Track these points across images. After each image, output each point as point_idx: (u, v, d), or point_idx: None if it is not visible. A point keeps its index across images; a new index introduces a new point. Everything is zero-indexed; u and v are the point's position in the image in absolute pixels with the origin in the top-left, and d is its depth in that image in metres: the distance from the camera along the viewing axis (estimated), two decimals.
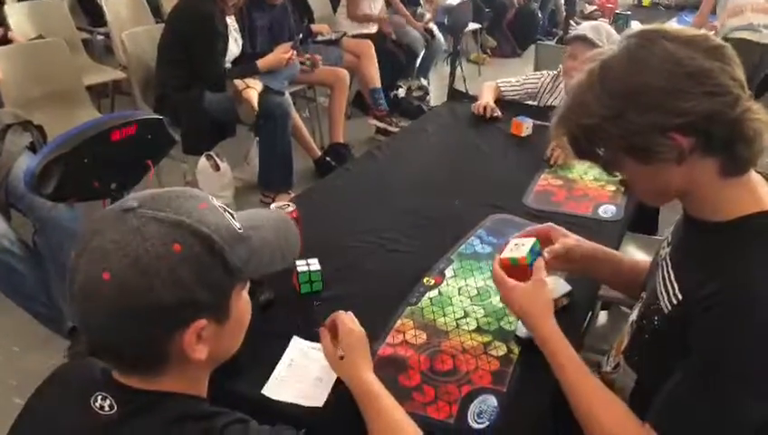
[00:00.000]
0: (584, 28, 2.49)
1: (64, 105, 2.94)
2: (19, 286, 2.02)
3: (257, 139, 3.33)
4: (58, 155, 1.24)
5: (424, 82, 4.94)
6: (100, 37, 4.48)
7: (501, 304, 1.41)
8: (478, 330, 1.34)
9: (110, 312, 0.71)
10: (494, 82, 2.74)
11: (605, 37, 2.41)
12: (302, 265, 1.45)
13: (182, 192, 0.78)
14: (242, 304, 0.83)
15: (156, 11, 4.34)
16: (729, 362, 0.90)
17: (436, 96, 4.91)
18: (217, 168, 3.10)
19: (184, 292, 0.72)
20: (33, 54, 2.92)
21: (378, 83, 4.22)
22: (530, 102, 2.72)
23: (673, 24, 1.01)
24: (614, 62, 0.96)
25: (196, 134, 3.04)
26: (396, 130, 4.25)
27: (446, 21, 2.70)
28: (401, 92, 4.71)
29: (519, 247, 1.26)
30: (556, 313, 1.34)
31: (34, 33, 3.63)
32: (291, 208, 1.56)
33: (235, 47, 3.19)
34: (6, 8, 3.60)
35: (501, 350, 1.29)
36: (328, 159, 3.65)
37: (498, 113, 2.59)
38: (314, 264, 1.45)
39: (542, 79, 2.73)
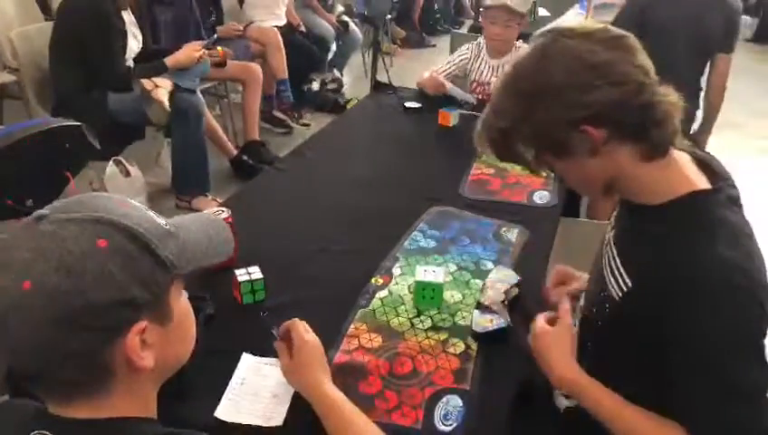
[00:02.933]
0: None
1: None
2: None
3: (168, 140, 3.15)
4: None
5: (338, 74, 4.87)
6: None
7: (453, 299, 1.39)
8: (434, 328, 1.31)
9: (39, 325, 0.63)
10: (426, 72, 2.72)
11: None
12: (242, 274, 1.36)
13: (97, 195, 0.73)
14: (182, 304, 0.77)
15: (44, 7, 4.02)
16: (722, 343, 0.90)
17: (351, 88, 4.85)
18: (127, 173, 2.90)
19: (116, 290, 0.66)
20: None
21: (284, 75, 4.07)
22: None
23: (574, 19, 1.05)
24: (523, 63, 1.00)
25: (102, 138, 2.82)
26: (298, 125, 4.18)
27: (365, 12, 2.64)
28: (315, 86, 4.62)
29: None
30: (508, 303, 1.34)
31: None
32: (225, 214, 1.46)
33: (134, 43, 2.99)
34: None
35: (459, 347, 1.26)
36: (245, 157, 3.51)
37: (444, 82, 2.59)
38: (255, 272, 1.37)
39: (468, 51, 2.77)
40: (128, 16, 2.95)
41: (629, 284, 1.01)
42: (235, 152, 3.52)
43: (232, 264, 1.36)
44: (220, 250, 0.81)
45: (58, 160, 1.26)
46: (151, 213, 0.74)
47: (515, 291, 1.38)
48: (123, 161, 2.89)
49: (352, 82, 5.14)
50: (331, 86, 4.73)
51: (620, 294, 1.02)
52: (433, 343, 1.26)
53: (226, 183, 3.33)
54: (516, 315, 1.32)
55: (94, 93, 2.80)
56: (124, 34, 2.89)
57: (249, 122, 3.66)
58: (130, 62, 2.95)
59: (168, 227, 0.73)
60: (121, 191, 2.86)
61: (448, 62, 2.79)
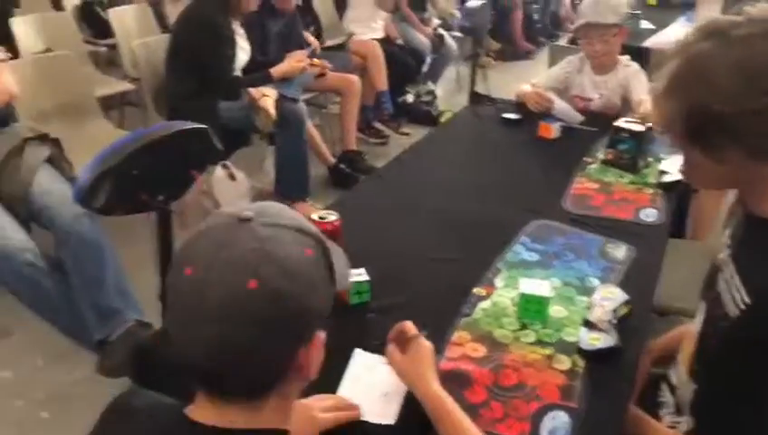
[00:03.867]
0: (585, 15, 2.53)
1: (76, 117, 2.88)
2: (43, 300, 1.97)
3: (272, 147, 3.28)
4: (106, 168, 1.19)
5: (432, 86, 4.90)
6: (103, 49, 4.42)
7: (559, 315, 1.37)
8: (539, 343, 1.29)
9: (256, 323, 0.66)
10: (525, 85, 2.69)
11: (603, 7, 2.47)
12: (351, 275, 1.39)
13: (273, 203, 0.76)
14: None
15: (161, 21, 4.29)
16: None
17: (444, 101, 4.87)
18: (233, 177, 3.03)
19: (317, 299, 0.70)
20: (43, 67, 2.85)
21: (384, 86, 4.17)
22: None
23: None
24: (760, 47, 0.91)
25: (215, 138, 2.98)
26: (398, 135, 4.23)
27: (467, 23, 2.67)
28: (410, 98, 4.68)
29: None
30: (617, 321, 1.30)
31: (41, 47, 3.57)
32: (334, 217, 1.50)
33: (243, 54, 3.14)
34: (14, 21, 3.53)
35: (565, 363, 1.23)
36: (342, 166, 3.60)
37: (553, 98, 2.54)
38: (362, 274, 1.40)
39: (570, 64, 2.71)
40: (237, 29, 3.11)
41: (748, 302, 0.97)
42: (332, 160, 3.61)
43: None
44: (342, 283, 0.85)
45: (187, 160, 1.35)
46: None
47: (624, 310, 1.35)
48: (230, 166, 3.03)
49: (446, 94, 5.15)
50: (425, 98, 4.76)
51: (738, 313, 0.99)
52: (538, 357, 1.25)
53: (324, 190, 3.42)
54: (625, 335, 1.28)
55: (205, 101, 2.96)
56: (234, 45, 3.04)
57: (347, 132, 3.75)
58: (239, 72, 3.10)
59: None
60: (228, 194, 3.00)
61: (548, 76, 2.75)
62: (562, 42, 6.19)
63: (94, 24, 4.54)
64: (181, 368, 0.70)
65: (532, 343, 1.29)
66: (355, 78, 3.81)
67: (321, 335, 0.72)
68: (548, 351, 1.27)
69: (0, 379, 2.08)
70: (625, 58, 2.60)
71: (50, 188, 2.10)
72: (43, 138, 2.25)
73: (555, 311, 1.38)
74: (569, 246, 1.66)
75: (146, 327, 1.97)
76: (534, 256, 1.61)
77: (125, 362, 1.85)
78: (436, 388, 1.06)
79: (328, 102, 4.20)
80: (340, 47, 4.17)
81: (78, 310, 1.95)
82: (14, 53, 3.36)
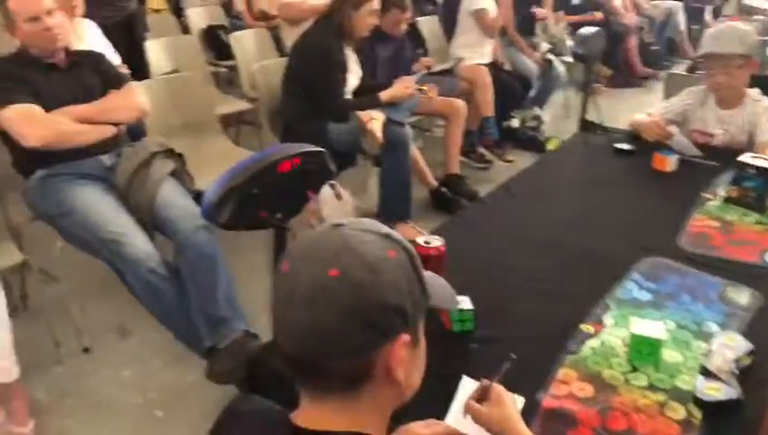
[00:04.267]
0: (706, 45, 2.39)
1: (199, 134, 3.07)
2: (161, 305, 2.10)
3: (376, 168, 3.35)
4: (231, 187, 1.27)
5: (539, 112, 4.83)
6: (223, 70, 4.69)
7: (673, 359, 1.31)
8: (650, 387, 1.23)
9: (339, 309, 0.71)
10: (642, 114, 2.59)
11: (726, 39, 2.33)
12: None
13: (369, 220, 0.81)
14: (423, 335, 0.82)
15: (278, 45, 4.50)
16: None
17: (551, 127, 4.79)
18: (339, 196, 3.12)
19: (399, 297, 0.73)
20: (172, 87, 3.08)
21: (490, 112, 4.16)
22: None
23: None
24: None
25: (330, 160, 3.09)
26: (501, 162, 4.18)
27: (580, 50, 2.62)
28: (515, 123, 4.63)
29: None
30: (739, 372, 1.22)
31: (169, 67, 3.85)
32: (438, 243, 1.51)
33: (353, 78, 3.24)
34: (147, 44, 3.84)
35: (680, 412, 1.17)
36: (444, 189, 3.61)
37: (673, 130, 2.44)
38: (466, 302, 1.40)
39: (692, 97, 2.56)
40: (350, 54, 3.21)
41: None
42: (435, 184, 3.63)
43: None
44: (447, 301, 0.90)
45: (304, 180, 1.41)
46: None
47: (747, 360, 1.27)
48: (337, 185, 3.12)
49: (552, 120, 5.06)
50: (530, 124, 4.70)
51: None
52: (650, 403, 1.19)
53: (425, 213, 3.44)
54: (747, 387, 1.20)
55: (316, 123, 3.07)
56: (345, 70, 3.15)
57: (450, 156, 3.76)
58: (349, 96, 3.20)
59: None
60: (333, 212, 3.09)
61: (666, 107, 2.63)
62: (679, 69, 5.93)
63: (217, 46, 4.84)
64: (286, 375, 0.76)
65: (643, 387, 1.23)
66: (461, 103, 3.82)
67: (406, 338, 0.74)
68: (660, 397, 1.21)
69: (120, 377, 2.23)
70: (755, 91, 2.42)
71: (173, 200, 2.25)
72: (168, 152, 2.41)
73: (669, 355, 1.32)
74: (685, 286, 1.58)
75: (252, 338, 2.06)
76: (647, 296, 1.54)
77: (232, 370, 1.94)
78: (525, 430, 1.02)
79: (432, 126, 4.24)
80: (448, 72, 4.20)
81: (191, 317, 2.07)
82: (147, 74, 3.65)
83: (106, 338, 2.40)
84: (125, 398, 2.13)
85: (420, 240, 1.49)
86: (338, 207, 3.11)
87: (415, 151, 3.49)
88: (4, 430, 1.92)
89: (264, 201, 1.31)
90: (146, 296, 2.08)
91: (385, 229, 0.78)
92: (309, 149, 1.42)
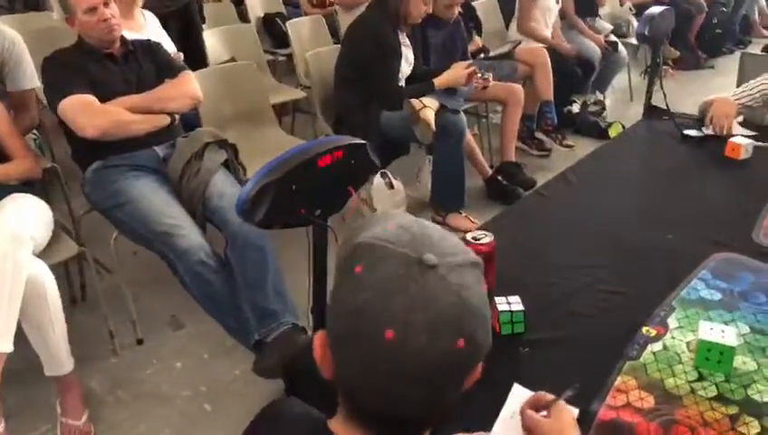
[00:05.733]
0: None
1: (252, 123, 3.07)
2: (211, 297, 2.10)
3: (429, 157, 3.28)
4: (267, 182, 1.22)
5: (600, 97, 4.63)
6: (282, 58, 4.70)
7: (746, 368, 1.20)
8: (720, 398, 1.13)
9: (461, 377, 0.68)
10: (714, 95, 2.42)
11: None
12: (501, 303, 1.32)
13: (432, 228, 0.72)
14: None
15: (333, 31, 4.47)
16: None
17: (614, 112, 4.58)
18: (391, 185, 3.07)
19: (486, 333, 0.68)
20: (227, 76, 3.08)
21: (550, 96, 4.00)
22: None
23: None
24: None
25: (373, 153, 3.03)
26: (561, 147, 4.02)
27: (646, 31, 2.45)
28: (575, 108, 4.45)
29: None
30: None
31: (227, 56, 3.87)
32: (488, 239, 1.44)
33: (405, 66, 3.16)
34: (205, 33, 3.87)
35: (753, 427, 1.07)
36: (499, 178, 3.49)
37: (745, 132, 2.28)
38: (516, 302, 1.32)
39: None
40: (404, 39, 3.14)
41: None
42: (490, 172, 3.53)
43: (489, 286, 1.35)
44: None
45: (345, 175, 1.36)
46: None
47: None
48: (389, 174, 3.07)
49: (615, 104, 4.85)
50: (592, 108, 4.51)
51: None
52: (719, 416, 1.09)
53: (479, 202, 3.35)
54: None
55: (369, 111, 3.02)
56: (399, 56, 3.08)
57: (506, 143, 3.64)
58: (402, 82, 3.13)
59: None
60: (385, 202, 3.05)
61: (743, 90, 2.44)
62: (754, 49, 5.57)
63: (275, 35, 4.84)
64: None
65: (711, 399, 1.13)
66: (518, 87, 3.69)
67: (479, 367, 0.70)
68: (732, 410, 1.10)
69: (171, 369, 2.26)
70: None
71: (223, 190, 2.25)
72: (221, 142, 2.41)
73: (741, 362, 1.21)
74: (759, 285, 1.46)
75: (301, 332, 2.03)
76: (716, 295, 1.43)
77: (278, 365, 1.92)
78: None
79: (488, 111, 4.12)
80: (506, 56, 4.07)
81: (240, 309, 2.06)
82: (204, 63, 3.68)
83: (159, 330, 2.43)
84: (175, 390, 2.15)
85: (469, 236, 1.42)
86: (390, 196, 3.07)
87: (469, 138, 3.39)
88: (60, 421, 1.97)
89: (302, 198, 1.25)
90: (196, 288, 2.09)
91: (468, 253, 0.70)
92: (351, 142, 1.36)
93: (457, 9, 3.43)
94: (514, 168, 3.60)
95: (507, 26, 4.44)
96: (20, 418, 2.01)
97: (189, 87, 2.42)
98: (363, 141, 1.38)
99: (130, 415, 2.05)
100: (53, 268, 2.15)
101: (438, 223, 3.15)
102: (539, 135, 4.12)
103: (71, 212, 2.47)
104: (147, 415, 2.05)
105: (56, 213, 2.24)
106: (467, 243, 1.36)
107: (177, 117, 2.41)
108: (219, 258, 2.12)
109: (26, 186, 2.22)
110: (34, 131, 2.77)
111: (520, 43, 4.11)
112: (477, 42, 4.06)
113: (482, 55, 3.93)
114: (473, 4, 4.25)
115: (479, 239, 1.42)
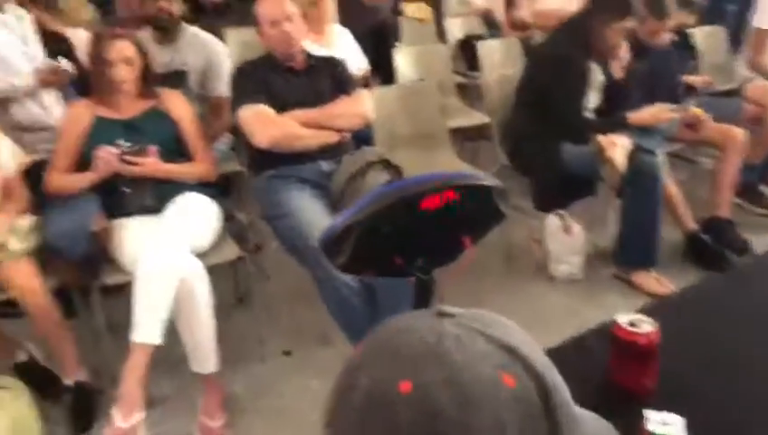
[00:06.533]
0: None
1: (426, 146, 2.97)
2: (350, 320, 2.04)
3: (618, 201, 2.91)
4: (354, 221, 1.04)
5: None
6: (476, 82, 4.56)
7: None
8: None
9: None
10: None
11: None
12: (654, 421, 0.98)
13: (504, 319, 0.54)
14: None
15: (528, 50, 4.23)
16: None
17: None
18: (568, 230, 2.77)
19: None
20: (407, 94, 3.02)
21: None
22: None
23: None
24: None
25: (549, 189, 2.77)
26: None
27: None
28: None
29: None
30: None
31: (416, 76, 3.83)
32: (649, 328, 1.11)
33: (595, 96, 2.84)
34: (396, 51, 3.87)
35: None
36: (704, 235, 2.97)
37: None
38: (674, 423, 0.98)
39: None
40: (595, 68, 2.82)
41: None
42: (693, 227, 3.01)
43: (643, 393, 1.06)
44: None
45: (459, 222, 1.11)
46: (560, 378, 0.53)
47: None
48: (566, 216, 2.78)
49: None
50: None
51: None
52: None
53: (674, 261, 2.89)
54: None
55: (549, 141, 2.76)
56: (586, 83, 2.77)
57: (720, 195, 3.10)
58: (590, 114, 2.82)
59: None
60: (559, 247, 2.76)
61: None
62: None
63: (471, 57, 4.73)
64: None
65: None
66: (740, 131, 3.14)
67: None
68: None
69: (309, 386, 2.21)
70: None
71: None
72: (385, 163, 2.33)
73: None
74: None
75: None
76: None
77: None
78: None
79: (699, 155, 3.59)
80: (732, 93, 3.52)
81: None
82: (394, 81, 3.69)
83: (308, 344, 2.41)
84: (308, 409, 2.09)
85: (624, 320, 1.12)
86: (566, 242, 2.77)
87: (669, 185, 2.95)
88: (197, 419, 2.00)
89: (397, 244, 1.05)
90: (337, 309, 2.03)
91: (510, 338, 0.51)
92: (472, 183, 1.11)
93: (667, 36, 3.02)
94: (726, 225, 3.06)
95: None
96: (164, 407, 2.09)
97: (361, 106, 2.40)
98: (490, 184, 1.13)
99: (264, 425, 2.04)
100: (222, 268, 2.23)
101: (621, 280, 2.77)
102: (763, 189, 3.49)
103: (247, 217, 2.55)
104: (277, 430, 2.02)
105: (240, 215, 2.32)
106: (619, 329, 1.08)
107: (346, 135, 2.38)
108: (365, 285, 2.04)
109: (204, 187, 2.33)
110: (229, 135, 2.93)
111: (751, 79, 3.54)
112: (702, 76, 3.57)
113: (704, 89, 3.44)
114: (689, 31, 3.75)
115: (637, 326, 1.11)
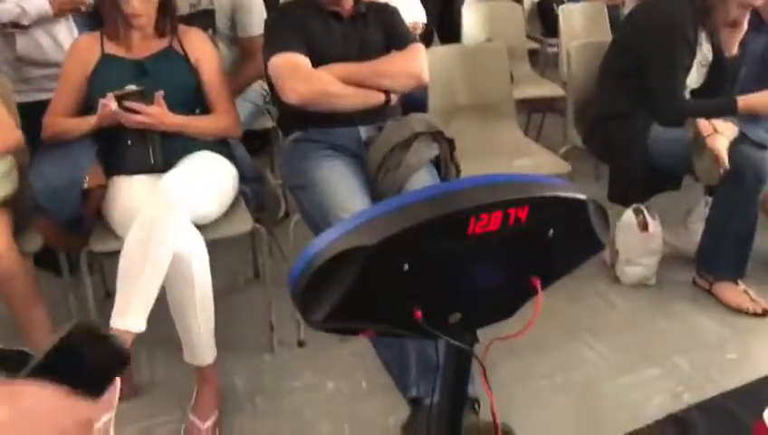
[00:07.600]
0: None
1: (486, 116, 2.57)
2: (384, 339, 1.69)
3: (707, 198, 2.46)
4: (351, 248, 0.60)
5: None
6: (552, 49, 4.10)
7: None
8: None
9: None
10: None
11: None
12: None
13: None
14: None
15: (614, 24, 3.75)
16: None
17: None
18: (646, 227, 2.35)
19: None
20: (470, 57, 2.61)
21: None
22: None
23: None
24: None
25: (627, 178, 2.34)
26: None
27: None
28: None
29: None
30: None
31: (483, 37, 3.42)
32: None
33: (696, 73, 2.36)
34: (464, 8, 3.45)
35: None
36: None
37: None
38: None
39: None
40: (703, 41, 2.34)
41: None
42: None
43: None
44: None
45: (526, 254, 0.70)
46: None
47: None
48: (645, 212, 2.35)
49: None
50: None
51: None
52: None
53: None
54: None
55: (635, 121, 2.32)
56: (692, 57, 2.30)
57: None
58: (687, 94, 2.35)
59: None
60: (632, 246, 2.35)
61: None
62: None
63: (549, 22, 4.27)
64: None
65: None
66: None
67: None
68: None
69: (320, 388, 1.92)
70: None
71: None
72: (436, 134, 1.97)
73: None
74: None
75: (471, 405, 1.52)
76: None
77: None
78: None
79: None
80: None
81: (406, 358, 1.62)
82: (458, 40, 3.29)
83: (324, 336, 2.07)
84: (314, 417, 1.80)
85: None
86: (640, 241, 2.35)
87: None
88: (185, 418, 1.73)
89: (423, 285, 0.62)
90: None
91: None
92: (556, 194, 0.66)
93: None
94: None
95: None
96: (152, 397, 1.83)
97: (414, 64, 2.00)
98: (582, 197, 0.72)
99: (258, 428, 1.76)
100: (238, 239, 1.93)
101: (702, 289, 2.34)
102: None
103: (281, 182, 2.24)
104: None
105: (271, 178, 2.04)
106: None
107: (393, 97, 2.00)
108: None
109: (223, 145, 2.02)
110: (265, 88, 2.61)
111: None
112: None
113: None
114: None
115: None
